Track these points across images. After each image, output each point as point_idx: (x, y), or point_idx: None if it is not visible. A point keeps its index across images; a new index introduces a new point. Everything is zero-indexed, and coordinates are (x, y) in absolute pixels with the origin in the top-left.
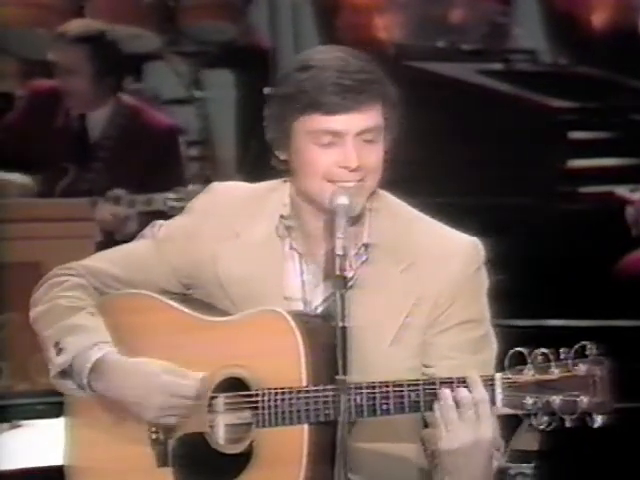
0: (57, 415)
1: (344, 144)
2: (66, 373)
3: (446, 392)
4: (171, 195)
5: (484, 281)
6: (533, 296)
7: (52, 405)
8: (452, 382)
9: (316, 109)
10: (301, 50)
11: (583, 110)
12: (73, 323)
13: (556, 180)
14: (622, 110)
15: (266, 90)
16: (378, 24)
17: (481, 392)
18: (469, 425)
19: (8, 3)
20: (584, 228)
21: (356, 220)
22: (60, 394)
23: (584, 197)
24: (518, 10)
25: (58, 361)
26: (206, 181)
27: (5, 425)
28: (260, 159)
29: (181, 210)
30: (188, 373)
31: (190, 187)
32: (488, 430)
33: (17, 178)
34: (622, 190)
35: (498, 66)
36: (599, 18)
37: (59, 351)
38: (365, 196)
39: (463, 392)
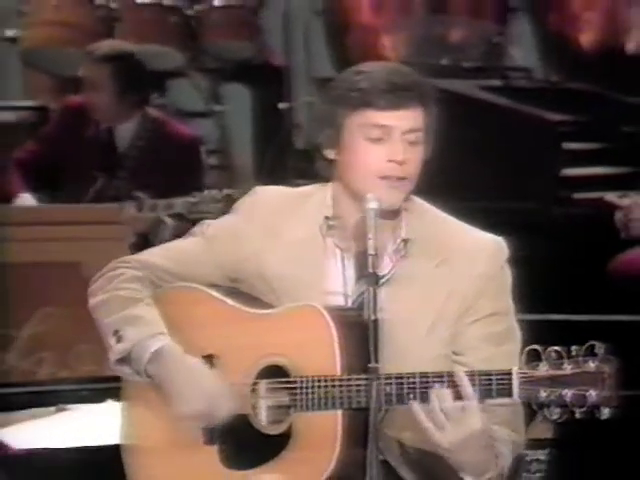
0: (99, 400)
1: (392, 139)
2: (124, 360)
3: (432, 396)
4: (190, 199)
5: (508, 277)
6: (530, 292)
7: (95, 391)
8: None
9: (368, 105)
10: (313, 67)
11: (576, 123)
12: (132, 314)
13: (552, 187)
14: (612, 122)
15: (280, 105)
16: (385, 43)
17: (467, 389)
18: (457, 423)
19: (44, 24)
20: (577, 230)
21: (394, 216)
22: (101, 381)
23: (578, 202)
24: (513, 31)
25: (118, 349)
26: (223, 187)
27: (52, 409)
28: (275, 167)
29: (200, 213)
30: (230, 393)
31: (206, 192)
32: (477, 423)
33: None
34: (612, 196)
35: (497, 82)
36: (588, 38)
37: (119, 339)
38: (405, 194)
39: (446, 395)
